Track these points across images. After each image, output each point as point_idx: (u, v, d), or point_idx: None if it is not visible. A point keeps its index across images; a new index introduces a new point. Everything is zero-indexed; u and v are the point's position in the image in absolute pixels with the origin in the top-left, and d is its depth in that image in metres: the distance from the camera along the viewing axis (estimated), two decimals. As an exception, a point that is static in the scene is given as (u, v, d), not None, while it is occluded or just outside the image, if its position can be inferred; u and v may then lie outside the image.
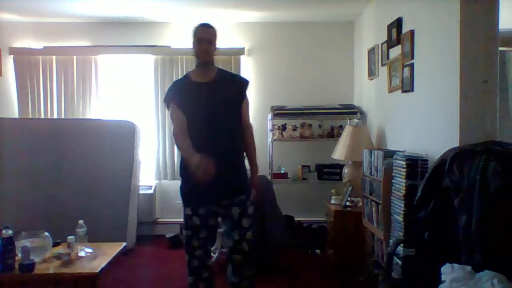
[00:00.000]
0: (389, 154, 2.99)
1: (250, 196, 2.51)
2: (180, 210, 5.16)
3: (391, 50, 3.61)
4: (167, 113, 4.92)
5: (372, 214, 3.22)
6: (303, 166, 4.76)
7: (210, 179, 2.22)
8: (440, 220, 2.22)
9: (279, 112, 4.63)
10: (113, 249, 2.79)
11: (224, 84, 2.50)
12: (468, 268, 1.89)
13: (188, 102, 2.45)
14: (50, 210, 4.01)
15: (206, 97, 2.42)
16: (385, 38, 3.68)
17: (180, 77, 5.01)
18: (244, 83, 2.60)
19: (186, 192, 2.51)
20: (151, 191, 4.87)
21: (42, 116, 4.91)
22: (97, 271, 2.43)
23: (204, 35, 2.46)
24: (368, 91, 4.46)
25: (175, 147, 4.96)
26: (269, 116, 4.70)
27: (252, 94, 2.51)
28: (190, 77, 2.57)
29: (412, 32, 3.10)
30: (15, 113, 4.96)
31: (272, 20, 4.84)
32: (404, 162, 2.63)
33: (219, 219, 2.55)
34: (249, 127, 2.58)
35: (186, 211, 2.50)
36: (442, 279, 1.91)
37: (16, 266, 2.40)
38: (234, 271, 2.51)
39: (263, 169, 4.47)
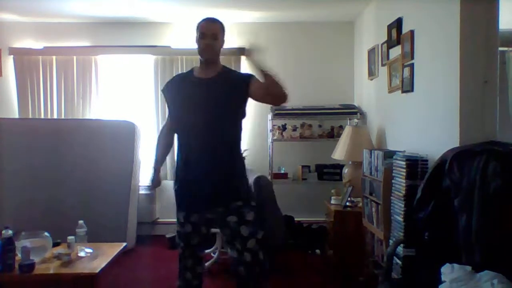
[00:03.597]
0: (389, 154, 2.99)
1: (249, 202, 2.33)
2: (180, 210, 5.16)
3: (391, 50, 3.61)
4: (167, 113, 4.96)
5: (372, 214, 3.22)
6: (303, 166, 4.76)
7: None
8: (440, 220, 2.22)
9: (279, 112, 4.63)
10: (113, 249, 2.80)
11: (226, 82, 2.31)
12: (468, 268, 1.89)
13: (183, 97, 2.35)
14: (50, 210, 4.02)
15: (204, 94, 2.28)
16: (385, 38, 3.68)
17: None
18: (245, 77, 2.36)
19: (179, 195, 2.40)
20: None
21: (42, 116, 4.91)
22: (97, 271, 2.43)
23: (208, 30, 2.29)
24: (368, 91, 4.46)
25: (175, 146, 4.96)
26: (269, 116, 4.70)
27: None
28: (193, 72, 2.42)
29: (412, 32, 3.10)
30: (15, 113, 4.96)
31: (272, 20, 4.84)
32: (404, 162, 2.63)
33: (213, 229, 2.48)
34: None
35: (179, 217, 2.39)
36: (442, 279, 1.91)
37: (16, 266, 2.39)
38: (239, 285, 2.35)
39: (263, 169, 4.49)
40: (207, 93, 2.29)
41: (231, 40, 4.83)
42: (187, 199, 2.35)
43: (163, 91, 2.50)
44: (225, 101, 2.29)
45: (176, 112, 2.41)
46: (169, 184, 5.02)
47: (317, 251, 4.32)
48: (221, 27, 2.35)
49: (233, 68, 4.70)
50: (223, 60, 5.01)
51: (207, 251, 4.02)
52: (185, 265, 2.41)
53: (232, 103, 2.31)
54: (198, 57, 2.37)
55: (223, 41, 2.37)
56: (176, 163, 2.45)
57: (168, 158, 4.94)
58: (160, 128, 4.74)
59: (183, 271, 2.42)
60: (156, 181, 2.58)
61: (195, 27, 2.37)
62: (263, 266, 2.35)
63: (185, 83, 2.40)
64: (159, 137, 2.67)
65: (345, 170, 4.18)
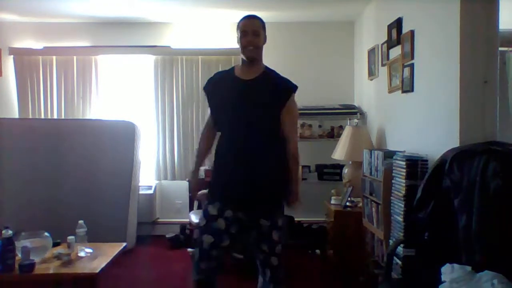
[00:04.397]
0: (389, 154, 2.99)
1: (282, 207, 2.33)
2: (180, 210, 5.21)
3: (391, 50, 3.61)
4: (167, 113, 4.98)
5: (372, 214, 3.22)
6: (303, 166, 4.76)
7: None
8: (440, 220, 2.22)
9: (279, 112, 4.62)
10: (113, 249, 2.79)
11: (267, 85, 2.27)
12: (468, 268, 1.89)
13: (223, 96, 2.29)
14: (50, 210, 4.01)
15: (245, 95, 2.23)
16: (385, 38, 3.68)
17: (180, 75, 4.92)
18: (289, 88, 2.30)
19: (216, 186, 2.28)
20: (151, 191, 4.86)
21: (42, 116, 4.91)
22: (97, 271, 2.43)
23: (249, 27, 2.26)
24: (368, 91, 4.46)
25: (175, 146, 4.98)
26: (269, 116, 4.69)
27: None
28: (234, 70, 2.37)
29: (412, 32, 3.10)
30: (15, 113, 4.96)
31: (272, 20, 4.83)
32: (404, 162, 2.63)
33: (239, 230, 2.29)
34: (290, 140, 2.28)
35: (210, 211, 2.23)
36: (442, 279, 1.91)
37: (16, 266, 2.39)
38: (265, 285, 2.32)
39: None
40: (247, 95, 2.24)
41: (231, 40, 4.83)
42: (226, 192, 2.24)
43: (204, 89, 2.42)
44: (264, 104, 2.24)
45: (215, 110, 2.34)
46: (169, 184, 5.04)
47: (317, 251, 4.32)
48: (261, 24, 2.32)
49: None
50: (223, 60, 5.04)
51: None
52: (208, 266, 2.24)
53: (271, 107, 2.25)
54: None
55: (265, 38, 2.34)
56: (214, 157, 2.34)
57: (168, 158, 4.96)
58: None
59: (201, 277, 2.26)
60: (194, 182, 2.43)
61: (236, 27, 2.32)
62: (284, 270, 2.34)
63: (226, 82, 2.35)
64: (201, 135, 2.49)
65: (345, 170, 4.18)
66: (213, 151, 2.40)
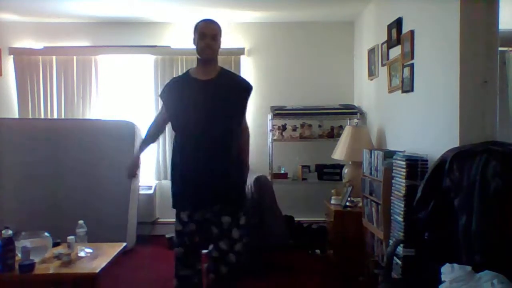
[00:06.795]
0: (389, 154, 2.99)
1: (243, 206, 2.44)
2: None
3: (391, 50, 3.61)
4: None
5: (372, 214, 3.22)
6: (303, 166, 4.77)
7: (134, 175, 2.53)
8: (440, 220, 2.22)
9: (279, 112, 4.63)
10: (113, 249, 2.80)
11: (226, 85, 2.39)
12: (468, 268, 1.89)
13: (183, 98, 2.37)
14: (50, 210, 4.01)
15: (204, 95, 2.33)
16: (385, 38, 3.68)
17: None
18: (247, 88, 2.48)
19: (180, 195, 2.43)
20: (151, 191, 4.87)
21: (42, 116, 4.91)
22: (97, 271, 2.43)
23: (208, 31, 2.35)
24: (368, 91, 4.46)
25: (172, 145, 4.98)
26: (269, 116, 4.70)
27: (252, 94, 2.49)
28: (190, 73, 2.47)
29: (412, 32, 3.10)
30: (15, 113, 4.96)
31: (272, 20, 4.84)
32: (404, 162, 2.63)
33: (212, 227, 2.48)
34: (246, 132, 2.54)
35: (181, 217, 2.42)
36: (442, 279, 1.91)
37: (16, 266, 2.39)
38: (217, 283, 2.43)
39: (263, 169, 4.50)
40: (209, 94, 2.34)
41: (231, 40, 4.84)
42: (190, 198, 2.38)
43: (161, 95, 2.53)
44: (225, 102, 2.35)
45: (178, 113, 2.41)
46: (169, 184, 5.02)
47: (317, 251, 4.32)
48: (219, 28, 2.41)
49: (232, 67, 4.74)
50: (223, 60, 5.04)
51: (204, 251, 4.03)
52: (185, 263, 2.43)
53: (232, 105, 2.38)
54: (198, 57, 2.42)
55: (220, 42, 2.44)
56: (173, 164, 2.47)
57: (168, 158, 4.96)
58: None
59: (181, 270, 2.43)
60: (136, 162, 2.66)
61: (193, 28, 2.42)
62: (241, 268, 2.46)
63: (185, 85, 2.43)
64: (151, 127, 2.65)
65: (345, 170, 4.18)
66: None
